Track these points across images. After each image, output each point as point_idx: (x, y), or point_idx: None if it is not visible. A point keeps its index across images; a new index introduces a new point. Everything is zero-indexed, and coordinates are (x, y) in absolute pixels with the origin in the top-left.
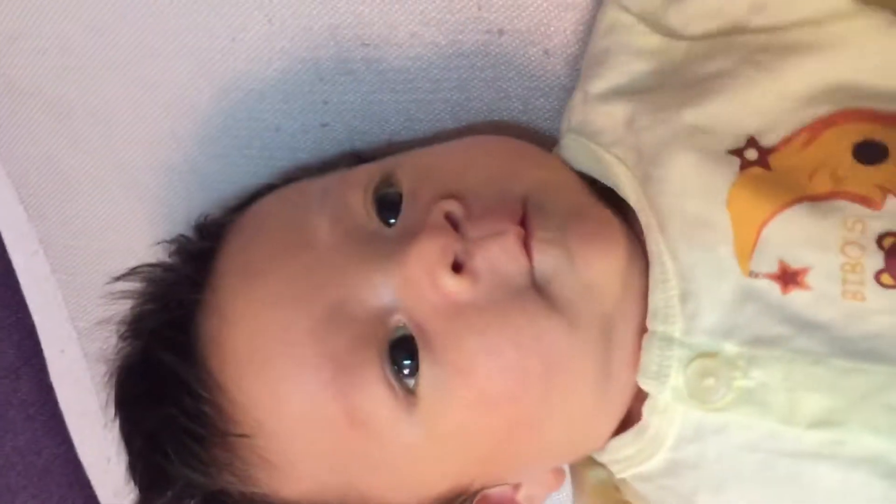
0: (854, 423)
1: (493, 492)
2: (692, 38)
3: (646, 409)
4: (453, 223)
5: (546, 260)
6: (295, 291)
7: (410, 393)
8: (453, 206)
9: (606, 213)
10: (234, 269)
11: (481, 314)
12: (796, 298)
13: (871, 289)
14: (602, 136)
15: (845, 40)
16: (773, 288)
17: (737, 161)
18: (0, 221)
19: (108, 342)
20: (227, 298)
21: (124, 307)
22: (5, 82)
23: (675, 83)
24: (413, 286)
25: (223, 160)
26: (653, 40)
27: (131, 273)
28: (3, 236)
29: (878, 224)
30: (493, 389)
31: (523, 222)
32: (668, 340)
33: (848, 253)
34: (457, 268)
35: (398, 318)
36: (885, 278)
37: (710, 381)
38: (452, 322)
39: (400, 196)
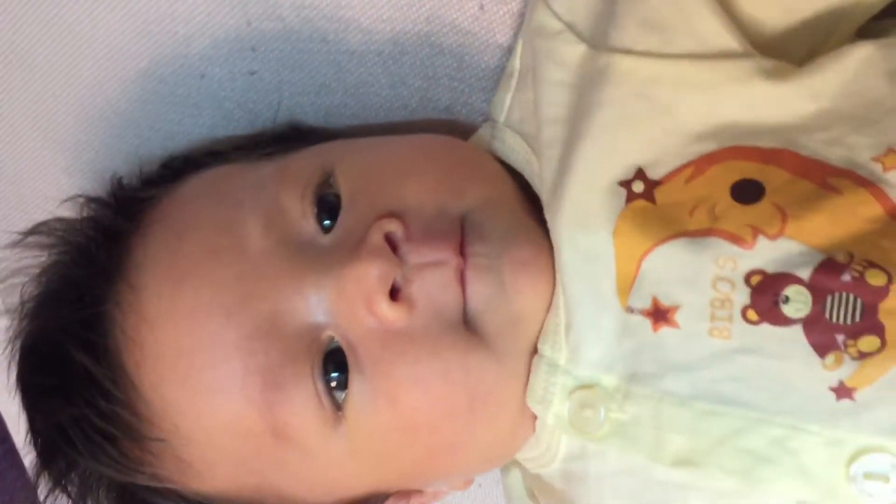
0: (710, 465)
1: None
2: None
3: (538, 425)
4: (392, 244)
5: (479, 289)
6: (224, 301)
7: (338, 409)
8: (394, 227)
9: (539, 238)
10: (158, 268)
11: (413, 344)
12: (666, 336)
13: (738, 325)
14: (534, 141)
15: (734, 80)
16: (646, 325)
17: (623, 193)
18: None
19: (15, 294)
20: (148, 299)
21: (35, 260)
22: None
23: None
24: (348, 305)
25: (146, 106)
26: (578, 50)
27: (37, 231)
28: None
29: (747, 262)
30: (418, 419)
31: (461, 247)
32: (554, 367)
33: (718, 288)
34: (393, 293)
35: (330, 334)
36: (751, 314)
37: (589, 413)
38: (384, 348)
39: (338, 198)
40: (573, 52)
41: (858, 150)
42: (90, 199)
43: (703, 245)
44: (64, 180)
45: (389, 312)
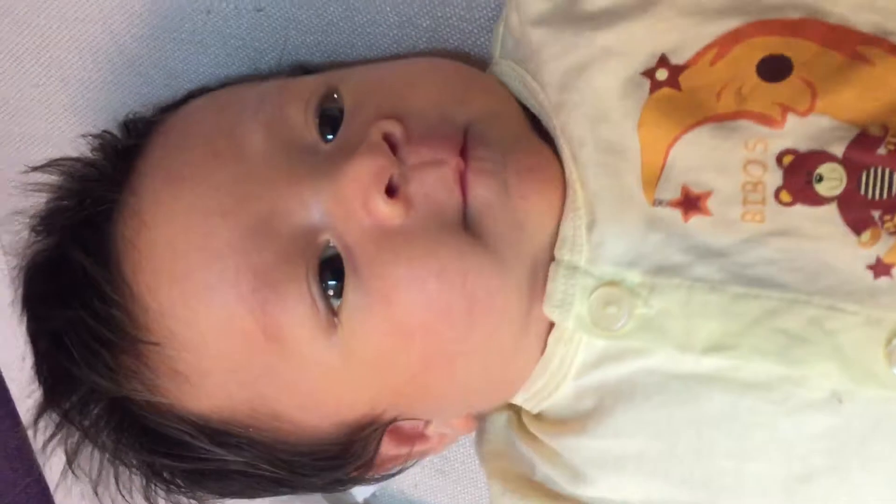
0: (744, 347)
1: (404, 423)
2: None
3: (551, 338)
4: (392, 145)
5: (481, 192)
6: (221, 201)
7: (333, 314)
8: (393, 127)
9: (546, 151)
10: (158, 171)
11: (410, 243)
12: (697, 225)
13: (771, 207)
14: (528, 62)
15: None
16: (676, 216)
17: (647, 83)
18: None
19: (21, 234)
20: (148, 202)
21: (40, 199)
22: None
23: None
24: (344, 205)
25: (151, 43)
26: None
27: (49, 165)
28: None
29: (778, 143)
30: (414, 320)
31: (463, 152)
32: (573, 269)
33: (750, 172)
34: (390, 192)
35: (326, 238)
36: (784, 195)
37: (613, 310)
38: (380, 247)
39: (341, 112)
40: None
41: (889, 13)
42: (100, 134)
43: (731, 129)
44: (67, 118)
45: (385, 209)
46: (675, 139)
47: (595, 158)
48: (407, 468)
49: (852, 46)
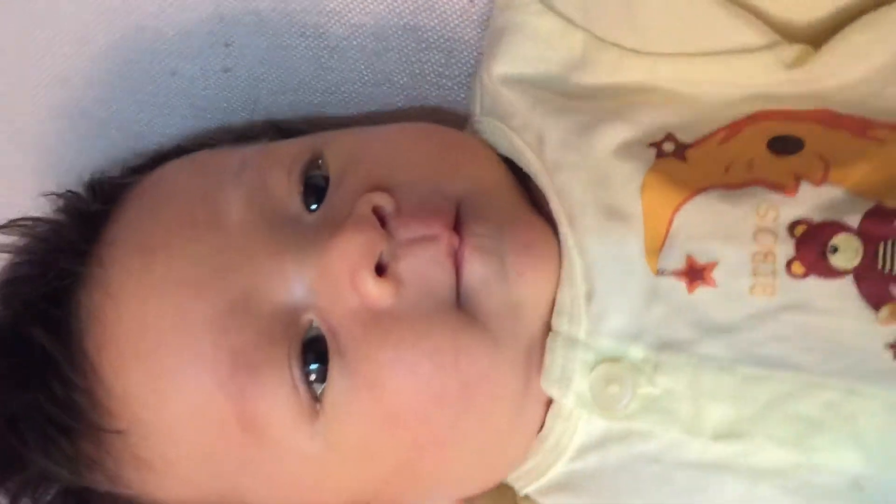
0: (758, 434)
1: None
2: (588, 31)
3: (550, 415)
4: (381, 219)
5: (478, 270)
6: (197, 275)
7: (315, 400)
8: (383, 200)
9: (540, 222)
10: (129, 240)
11: (400, 325)
12: (702, 297)
13: (783, 280)
14: (512, 119)
15: (753, 75)
16: (680, 287)
17: (653, 151)
18: None
19: None
20: (116, 273)
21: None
22: None
23: (585, 85)
24: (330, 283)
25: (115, 105)
26: (546, 22)
27: (9, 225)
28: None
29: (790, 211)
30: (404, 408)
31: (457, 226)
32: (573, 342)
33: (760, 241)
34: (380, 269)
35: (310, 318)
36: (797, 267)
37: (615, 388)
38: (368, 330)
39: (326, 180)
40: (542, 23)
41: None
42: (64, 194)
43: (741, 195)
44: (30, 182)
45: (374, 288)
46: (681, 204)
47: (595, 224)
48: None
49: (863, 129)
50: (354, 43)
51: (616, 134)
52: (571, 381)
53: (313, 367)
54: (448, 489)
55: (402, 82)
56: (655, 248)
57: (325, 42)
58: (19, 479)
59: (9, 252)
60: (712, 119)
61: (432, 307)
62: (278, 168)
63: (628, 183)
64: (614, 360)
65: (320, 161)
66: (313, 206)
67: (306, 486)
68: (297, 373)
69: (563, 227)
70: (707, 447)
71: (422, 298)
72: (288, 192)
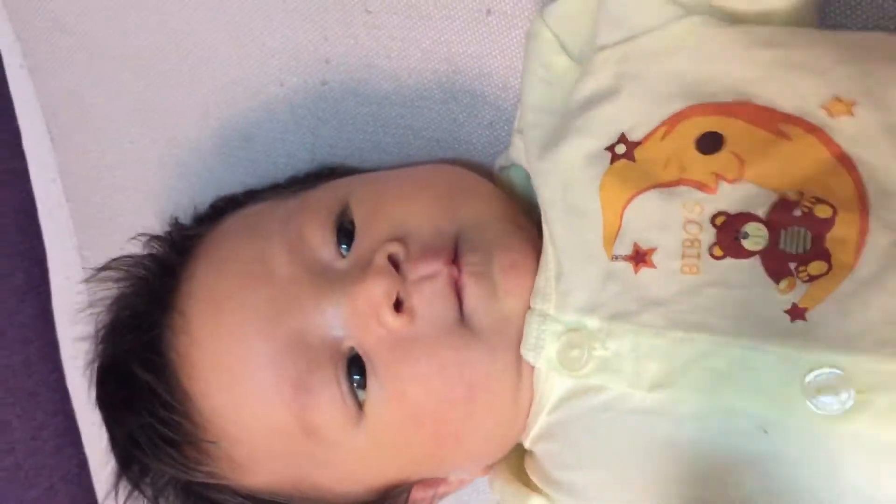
0: (681, 385)
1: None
2: (578, 62)
3: (535, 379)
4: (395, 264)
5: (475, 292)
6: (258, 321)
7: (359, 408)
8: (396, 248)
9: (526, 244)
10: (202, 294)
11: (415, 347)
12: (645, 276)
13: (706, 261)
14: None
15: (685, 41)
16: (628, 268)
17: (609, 155)
18: (27, 150)
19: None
20: (196, 324)
21: (109, 292)
22: (52, 20)
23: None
24: (360, 319)
25: (232, 108)
26: (562, 61)
27: (112, 264)
28: (28, 164)
29: (712, 206)
30: (423, 411)
31: (457, 258)
32: (545, 316)
33: (688, 230)
34: (397, 306)
35: (350, 345)
36: (716, 250)
37: (576, 352)
38: (392, 352)
39: (353, 225)
40: (558, 60)
41: (808, 98)
42: (153, 237)
43: (673, 193)
44: (155, 172)
45: (395, 322)
46: (629, 201)
47: (563, 219)
48: None
49: (775, 124)
50: (429, 66)
51: (580, 146)
52: (543, 348)
53: (356, 378)
54: (471, 464)
55: (465, 101)
56: (611, 238)
57: (406, 63)
58: (141, 477)
59: (113, 288)
60: (655, 115)
61: (440, 331)
62: (313, 220)
63: (589, 186)
64: (576, 329)
65: (348, 209)
66: (344, 247)
67: (358, 470)
68: (344, 388)
69: (544, 224)
70: (644, 397)
71: (431, 324)
72: (323, 241)
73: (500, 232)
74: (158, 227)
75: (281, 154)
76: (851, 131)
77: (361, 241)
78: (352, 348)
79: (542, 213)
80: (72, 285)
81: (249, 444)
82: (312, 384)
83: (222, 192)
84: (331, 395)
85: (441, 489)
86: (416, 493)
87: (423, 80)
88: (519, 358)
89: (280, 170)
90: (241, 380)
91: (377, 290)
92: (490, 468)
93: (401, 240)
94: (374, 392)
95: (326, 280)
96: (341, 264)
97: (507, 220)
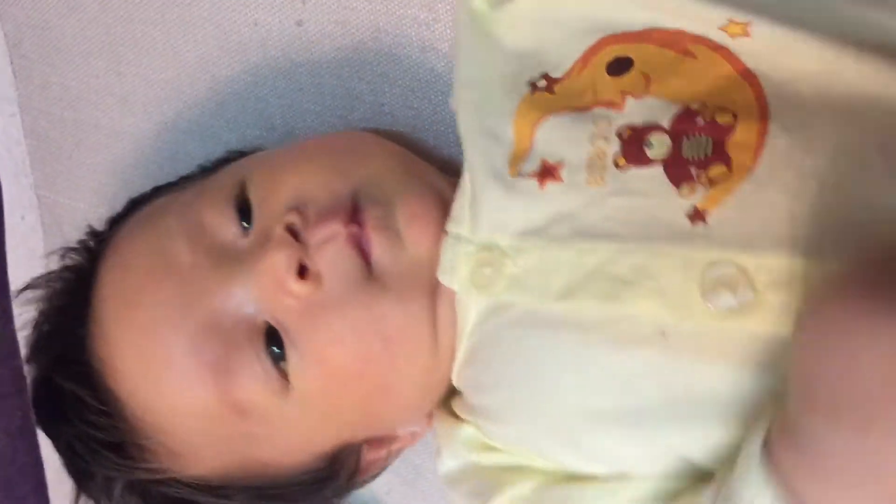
0: (584, 293)
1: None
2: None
3: (456, 306)
4: (295, 233)
5: (381, 243)
6: (166, 314)
7: (284, 379)
8: (293, 218)
9: (426, 189)
10: (113, 298)
11: (325, 310)
12: (552, 191)
13: (610, 172)
14: None
15: None
16: (533, 185)
17: (529, 87)
18: None
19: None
20: (109, 325)
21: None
22: None
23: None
24: (268, 294)
25: (201, 47)
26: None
27: (32, 284)
28: None
29: (619, 121)
30: (346, 371)
31: (357, 215)
32: (459, 239)
33: (595, 144)
34: (302, 272)
35: (264, 319)
36: (621, 161)
37: (488, 271)
38: (305, 319)
39: (251, 204)
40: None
41: (707, 23)
42: (68, 249)
43: (585, 114)
44: (119, 109)
45: (301, 289)
46: (539, 121)
47: (478, 141)
48: (386, 467)
49: (683, 45)
50: (409, 13)
51: (504, 77)
52: (457, 270)
53: (277, 351)
54: (410, 413)
55: (443, 50)
56: (519, 156)
57: (385, 6)
58: (93, 485)
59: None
60: (573, 51)
61: (349, 289)
62: (211, 204)
63: (503, 111)
64: (488, 248)
65: (245, 188)
66: (245, 224)
67: (298, 441)
68: (265, 362)
69: (464, 151)
70: (551, 308)
71: (338, 285)
72: (221, 223)
73: (398, 183)
74: (115, 167)
75: (250, 98)
76: (751, 49)
77: (260, 216)
78: (266, 322)
79: (462, 140)
80: (26, 225)
81: (185, 434)
82: (232, 364)
83: (190, 134)
84: (252, 371)
85: (394, 446)
86: (370, 455)
87: (401, 26)
88: (433, 301)
89: (249, 115)
90: (162, 372)
91: (278, 262)
92: (431, 416)
93: (298, 209)
94: (295, 361)
95: (229, 261)
96: (243, 243)
97: (406, 173)
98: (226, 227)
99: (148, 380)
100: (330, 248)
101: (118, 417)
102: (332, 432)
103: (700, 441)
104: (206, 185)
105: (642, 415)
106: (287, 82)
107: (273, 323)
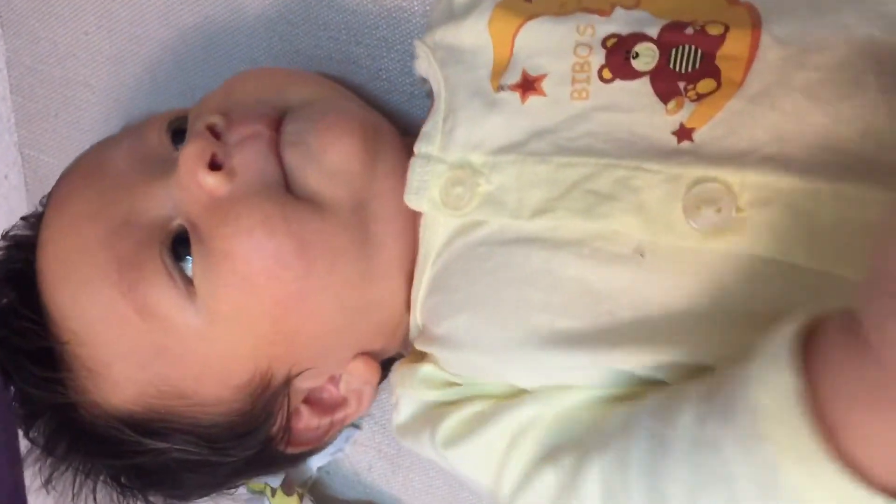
0: (562, 208)
1: (321, 394)
2: None
3: (420, 229)
4: (216, 134)
5: (292, 158)
6: (90, 210)
7: (189, 282)
8: (216, 118)
9: (350, 108)
10: (50, 207)
11: (236, 203)
12: (533, 105)
13: (595, 84)
14: None
15: None
16: (515, 98)
17: None
18: None
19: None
20: (44, 233)
21: None
22: None
23: None
24: (183, 188)
25: (196, 7)
26: None
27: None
28: None
29: (604, 28)
30: (253, 268)
31: (280, 128)
32: (428, 158)
33: (579, 53)
34: (217, 168)
35: (179, 222)
36: (606, 73)
37: (459, 190)
38: (214, 213)
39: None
40: None
41: None
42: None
43: (568, 19)
44: (108, 67)
45: (211, 181)
46: (519, 28)
47: (454, 57)
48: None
49: None
50: None
51: None
52: (426, 190)
53: (188, 257)
54: (335, 342)
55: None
56: (500, 68)
57: None
58: (23, 413)
59: None
60: None
61: (261, 188)
62: (153, 126)
63: (478, 21)
64: (460, 167)
65: (183, 115)
66: (179, 146)
67: (209, 357)
68: (168, 262)
69: (437, 72)
70: (524, 226)
71: (252, 182)
72: (159, 141)
73: (327, 105)
74: (105, 127)
75: (245, 60)
76: None
77: (190, 128)
78: (180, 225)
79: (434, 62)
80: (8, 184)
81: (95, 342)
82: (138, 261)
83: (182, 96)
84: (156, 269)
85: (339, 413)
86: (311, 420)
87: None
88: (360, 218)
89: None
90: (75, 268)
91: (192, 152)
92: (373, 367)
93: (223, 113)
94: (200, 261)
95: (158, 167)
96: (176, 155)
97: (338, 100)
98: (162, 143)
99: (62, 276)
100: (248, 147)
101: (38, 321)
102: (244, 351)
103: (655, 360)
104: (155, 115)
105: (612, 334)
106: (283, 45)
107: (186, 224)
